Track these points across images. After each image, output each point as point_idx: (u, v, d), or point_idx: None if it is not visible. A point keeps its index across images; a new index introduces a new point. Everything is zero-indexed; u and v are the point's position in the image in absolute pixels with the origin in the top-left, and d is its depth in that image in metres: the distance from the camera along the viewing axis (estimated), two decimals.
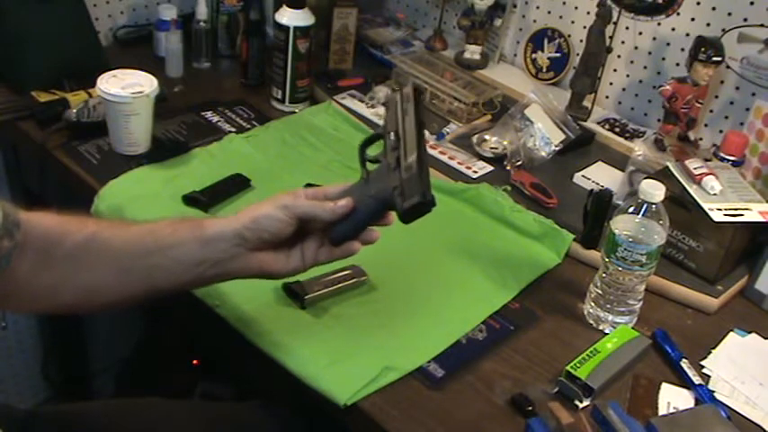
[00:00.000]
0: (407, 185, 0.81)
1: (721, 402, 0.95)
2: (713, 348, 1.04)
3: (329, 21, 1.56)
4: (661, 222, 0.98)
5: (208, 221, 0.87)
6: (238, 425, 1.05)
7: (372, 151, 0.90)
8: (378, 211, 0.85)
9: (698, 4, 1.37)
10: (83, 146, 1.28)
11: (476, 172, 1.31)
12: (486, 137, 1.38)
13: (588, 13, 1.50)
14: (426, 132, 1.40)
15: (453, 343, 0.98)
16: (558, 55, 1.58)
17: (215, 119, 1.41)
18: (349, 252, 0.89)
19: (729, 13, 1.33)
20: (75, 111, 1.29)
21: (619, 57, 1.50)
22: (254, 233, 0.85)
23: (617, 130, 1.47)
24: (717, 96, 1.39)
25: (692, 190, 1.11)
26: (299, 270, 0.90)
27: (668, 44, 1.43)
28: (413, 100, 0.88)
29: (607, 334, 1.01)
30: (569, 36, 1.55)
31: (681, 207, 1.10)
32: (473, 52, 1.62)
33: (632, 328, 1.03)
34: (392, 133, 0.87)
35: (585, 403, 0.92)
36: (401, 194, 0.81)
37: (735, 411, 0.94)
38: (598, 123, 1.48)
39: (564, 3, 1.56)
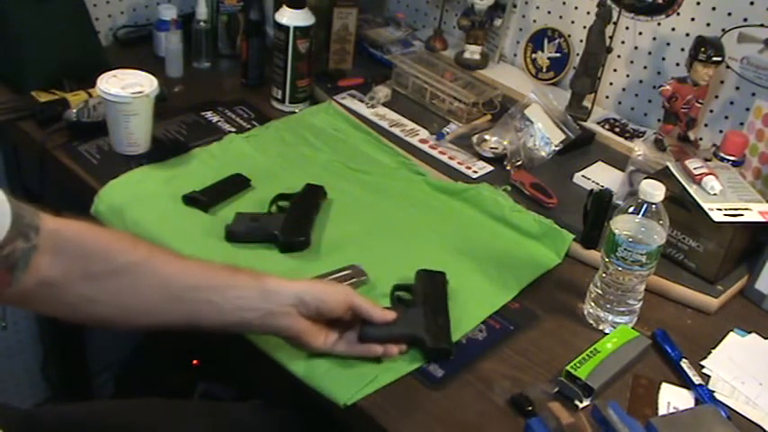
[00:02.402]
0: (438, 333, 0.96)
1: (721, 402, 0.95)
2: (713, 348, 1.04)
3: (329, 21, 1.56)
4: (661, 222, 0.98)
5: (268, 276, 0.90)
6: (238, 425, 1.05)
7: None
8: (408, 336, 0.95)
9: (698, 4, 1.37)
10: (83, 146, 1.28)
11: (476, 172, 1.31)
12: (486, 137, 1.38)
13: (588, 13, 1.50)
14: (426, 132, 1.41)
15: (454, 343, 0.98)
16: (558, 55, 1.58)
17: (215, 119, 1.41)
18: (370, 352, 0.93)
19: (729, 13, 1.33)
20: (75, 111, 1.29)
21: (619, 57, 1.50)
22: (315, 301, 0.89)
23: (617, 130, 1.47)
24: (717, 96, 1.39)
25: (692, 190, 1.11)
26: (318, 351, 0.93)
27: (668, 44, 1.43)
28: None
29: (607, 334, 1.01)
30: (569, 36, 1.55)
31: (681, 207, 1.10)
32: (473, 52, 1.62)
33: (632, 328, 1.03)
34: (423, 294, 1.02)
35: (585, 403, 0.92)
36: (433, 338, 0.95)
37: (735, 411, 0.94)
38: (598, 123, 1.48)
39: (564, 3, 1.56)
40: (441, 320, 0.98)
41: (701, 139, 1.41)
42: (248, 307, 0.87)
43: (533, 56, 1.62)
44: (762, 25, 1.30)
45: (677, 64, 1.42)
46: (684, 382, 0.97)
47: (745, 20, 1.32)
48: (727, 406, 0.95)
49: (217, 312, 0.86)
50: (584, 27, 1.47)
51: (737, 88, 1.36)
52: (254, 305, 0.87)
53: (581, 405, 0.91)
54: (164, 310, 0.86)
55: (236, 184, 1.22)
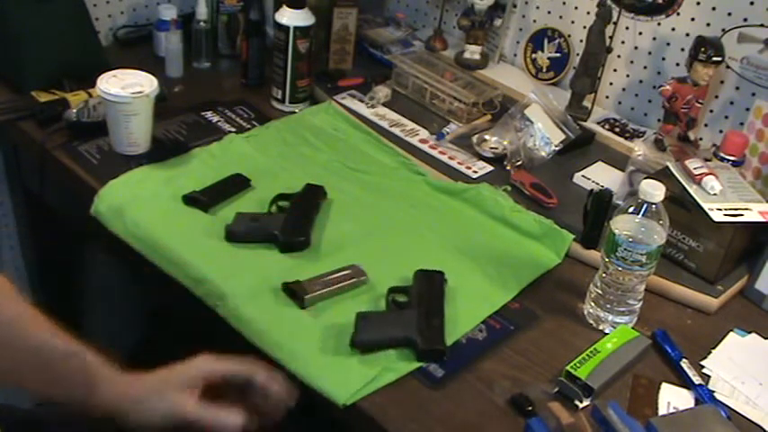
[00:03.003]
0: (431, 335, 0.96)
1: (721, 402, 0.95)
2: (713, 348, 1.04)
3: (329, 21, 1.56)
4: (661, 222, 0.98)
5: (104, 381, 0.87)
6: None
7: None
8: (401, 338, 0.96)
9: (698, 4, 1.37)
10: (83, 146, 1.28)
11: (476, 172, 1.31)
12: (486, 137, 1.38)
13: (588, 13, 1.50)
14: (426, 132, 1.41)
15: (453, 343, 0.98)
16: (558, 55, 1.58)
17: (215, 119, 1.41)
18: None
19: (729, 13, 1.33)
20: (75, 111, 1.29)
21: (619, 57, 1.50)
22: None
23: (617, 130, 1.47)
24: (717, 96, 1.39)
25: (692, 190, 1.11)
26: None
27: (668, 44, 1.43)
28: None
29: (607, 334, 1.01)
30: (569, 36, 1.55)
31: (681, 207, 1.10)
32: (473, 52, 1.62)
33: (632, 328, 1.03)
34: (418, 295, 1.02)
35: (585, 403, 0.92)
36: (426, 339, 0.95)
37: (735, 411, 0.95)
38: (598, 123, 1.48)
39: (564, 3, 1.56)
40: (435, 322, 0.98)
41: (701, 139, 1.41)
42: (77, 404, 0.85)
43: (533, 56, 1.62)
44: (762, 25, 1.30)
45: (677, 64, 1.42)
46: (684, 382, 0.97)
47: (745, 20, 1.32)
48: (727, 406, 0.95)
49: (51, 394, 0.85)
50: (584, 27, 1.47)
51: (737, 88, 1.36)
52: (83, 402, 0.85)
53: (581, 405, 0.91)
54: (15, 375, 0.84)
55: (236, 184, 1.22)
